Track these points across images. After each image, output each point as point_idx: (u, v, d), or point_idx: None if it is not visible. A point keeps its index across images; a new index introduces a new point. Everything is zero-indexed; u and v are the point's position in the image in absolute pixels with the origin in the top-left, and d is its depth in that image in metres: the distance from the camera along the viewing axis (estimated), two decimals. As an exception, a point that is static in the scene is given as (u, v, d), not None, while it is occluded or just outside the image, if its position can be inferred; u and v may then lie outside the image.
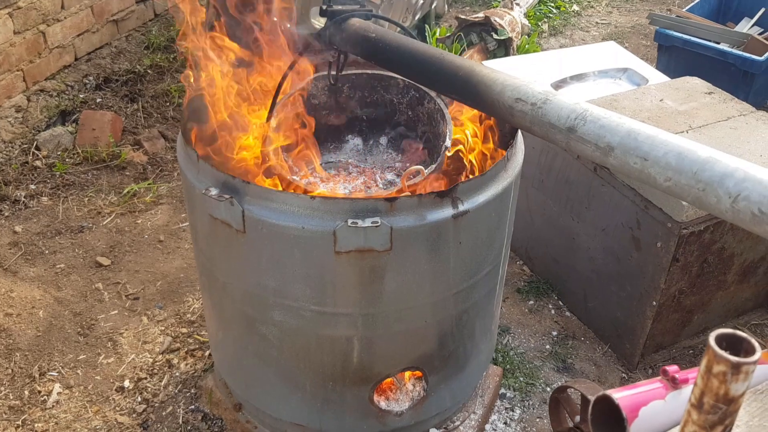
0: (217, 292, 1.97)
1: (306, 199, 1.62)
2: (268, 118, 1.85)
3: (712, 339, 0.68)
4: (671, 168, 1.02)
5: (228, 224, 1.70)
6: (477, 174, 1.96)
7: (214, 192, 1.68)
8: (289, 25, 1.98)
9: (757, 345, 0.70)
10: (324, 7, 1.81)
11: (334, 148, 2.30)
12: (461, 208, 1.68)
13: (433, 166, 1.90)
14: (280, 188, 1.82)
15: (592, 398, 2.04)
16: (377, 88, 2.22)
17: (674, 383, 1.29)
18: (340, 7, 1.81)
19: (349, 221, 1.59)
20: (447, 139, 1.94)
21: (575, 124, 1.15)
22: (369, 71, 2.18)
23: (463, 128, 2.03)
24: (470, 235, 1.76)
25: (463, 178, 1.96)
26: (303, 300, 1.76)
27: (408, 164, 2.21)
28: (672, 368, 1.32)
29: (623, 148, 1.08)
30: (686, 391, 1.27)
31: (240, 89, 1.95)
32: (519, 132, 1.90)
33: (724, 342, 0.69)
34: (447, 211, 1.67)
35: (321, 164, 2.22)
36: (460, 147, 1.98)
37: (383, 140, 2.31)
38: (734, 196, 0.94)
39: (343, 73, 2.06)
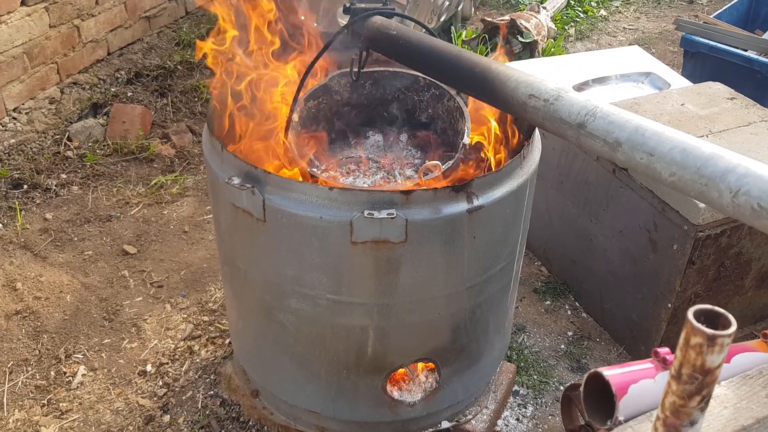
0: (238, 280, 2.03)
1: (324, 189, 1.67)
2: (291, 113, 1.90)
3: (690, 313, 0.71)
4: (676, 163, 1.05)
5: (249, 213, 1.76)
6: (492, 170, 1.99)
7: (236, 181, 1.73)
8: (315, 23, 2.04)
9: (732, 319, 0.73)
10: (347, 4, 1.86)
11: (354, 144, 2.35)
12: (476, 203, 1.72)
13: (450, 162, 1.94)
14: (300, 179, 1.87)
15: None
16: (398, 86, 2.27)
17: (665, 364, 1.32)
18: (363, 5, 1.86)
19: (366, 212, 1.63)
20: (465, 136, 1.98)
21: (585, 120, 1.18)
22: (390, 68, 2.23)
23: (482, 127, 2.07)
24: (484, 231, 1.80)
25: (477, 174, 2.00)
26: (319, 288, 1.81)
27: (427, 160, 2.25)
28: (663, 350, 1.35)
29: (630, 143, 1.11)
30: None
31: (264, 83, 2.01)
32: (536, 130, 1.94)
33: (702, 317, 0.73)
34: (462, 206, 1.71)
35: (342, 158, 2.27)
36: (478, 144, 2.02)
37: (403, 137, 2.36)
38: (735, 191, 0.97)
39: (365, 70, 2.11)
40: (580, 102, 1.22)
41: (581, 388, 1.42)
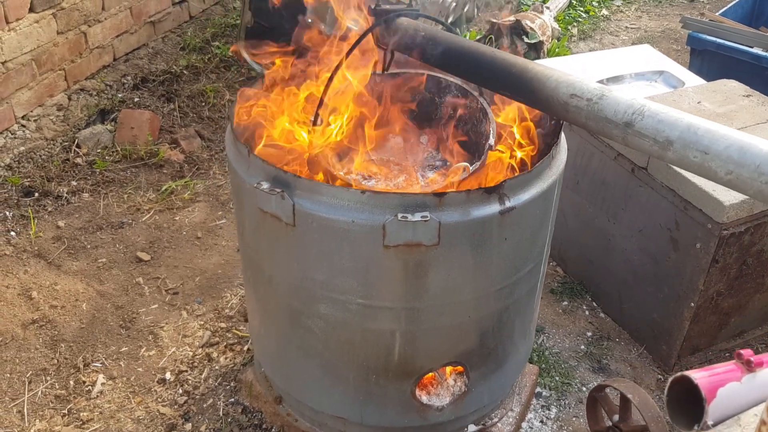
0: (262, 285, 2.01)
1: (356, 193, 1.65)
2: (316, 116, 1.89)
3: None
4: (733, 161, 1.04)
5: (278, 217, 1.74)
6: (519, 172, 1.98)
7: (265, 186, 1.72)
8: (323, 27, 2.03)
9: None
10: (373, 6, 1.84)
11: (375, 146, 2.34)
12: (507, 204, 1.70)
13: (477, 163, 1.92)
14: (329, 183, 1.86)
15: (632, 396, 2.05)
16: (419, 87, 2.25)
17: (749, 366, 1.31)
18: (388, 7, 1.85)
19: (399, 215, 1.62)
20: (490, 137, 1.97)
21: (633, 119, 1.17)
22: (412, 70, 2.21)
23: (503, 128, 2.06)
24: (515, 232, 1.79)
25: (509, 175, 1.98)
26: (350, 293, 1.79)
27: (448, 162, 2.24)
28: (746, 351, 1.33)
29: (683, 142, 1.10)
30: (761, 374, 1.29)
31: (292, 90, 1.99)
32: (562, 131, 1.92)
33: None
34: (494, 207, 1.69)
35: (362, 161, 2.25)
36: (502, 146, 2.00)
37: (424, 138, 2.34)
38: (798, 188, 0.96)
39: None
40: (627, 101, 1.21)
41: (665, 392, 1.40)
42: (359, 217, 1.66)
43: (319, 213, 1.68)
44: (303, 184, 1.69)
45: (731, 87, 2.91)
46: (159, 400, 2.48)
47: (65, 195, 3.37)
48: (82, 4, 3.77)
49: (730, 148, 1.06)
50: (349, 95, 1.96)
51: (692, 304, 2.47)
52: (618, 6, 6.48)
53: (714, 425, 1.22)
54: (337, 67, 1.79)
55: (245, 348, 2.69)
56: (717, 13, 4.72)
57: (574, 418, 2.48)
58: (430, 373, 2.01)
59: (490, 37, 4.71)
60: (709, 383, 1.27)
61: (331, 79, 1.81)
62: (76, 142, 3.67)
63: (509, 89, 1.49)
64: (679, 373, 1.37)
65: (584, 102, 1.27)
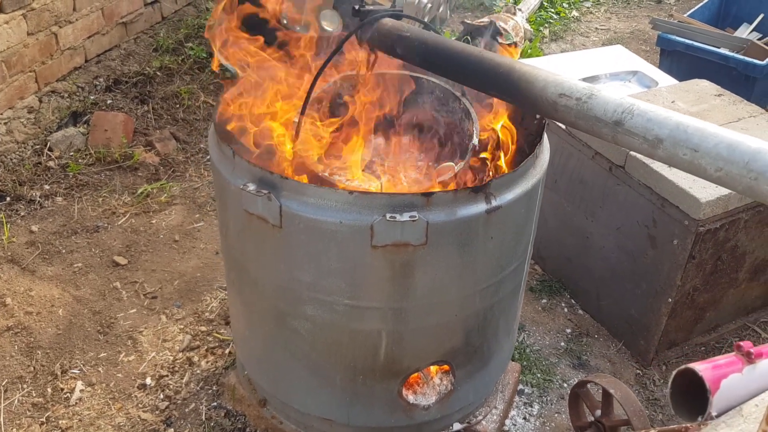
0: (247, 287, 2.00)
1: (344, 194, 1.65)
2: (301, 116, 1.88)
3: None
4: (722, 158, 1.07)
5: (264, 219, 1.73)
6: (504, 171, 2.00)
7: (252, 187, 1.70)
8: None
9: None
10: (356, 7, 1.84)
11: (360, 147, 2.33)
12: (494, 203, 1.72)
13: (462, 163, 1.93)
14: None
15: (614, 391, 2.08)
16: (401, 88, 2.26)
17: (749, 358, 1.34)
18: (371, 7, 1.85)
19: (388, 215, 1.62)
20: (474, 136, 1.98)
21: (622, 117, 1.19)
22: (393, 71, 2.22)
23: (483, 129, 2.07)
24: (501, 231, 1.80)
25: (493, 175, 2.00)
26: (337, 294, 1.79)
27: (431, 163, 2.25)
28: (746, 343, 1.37)
29: (672, 140, 1.12)
30: (761, 365, 1.32)
31: (272, 87, 1.98)
32: (545, 131, 1.95)
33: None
34: (480, 207, 1.71)
35: (345, 162, 2.25)
36: (488, 144, 2.02)
37: (406, 139, 2.35)
38: (787, 183, 0.99)
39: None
40: (616, 100, 1.23)
41: (669, 384, 1.43)
42: (347, 218, 1.66)
43: (307, 214, 1.68)
44: (290, 185, 1.69)
45: (703, 87, 2.97)
46: (140, 405, 2.45)
47: (38, 199, 3.31)
48: (53, 5, 3.70)
49: (719, 146, 1.08)
50: (333, 97, 1.96)
51: (669, 300, 2.52)
52: (588, 7, 6.57)
53: (717, 416, 1.25)
54: (322, 68, 1.79)
55: (227, 351, 2.66)
56: (685, 15, 4.82)
57: (556, 414, 2.51)
58: (417, 373, 2.02)
59: (467, 38, 4.74)
60: (712, 375, 1.30)
61: (315, 81, 1.80)
62: (48, 145, 3.61)
63: (497, 89, 1.51)
64: (683, 366, 1.40)
65: (573, 101, 1.29)
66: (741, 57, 4.14)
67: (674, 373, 1.40)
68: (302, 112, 1.84)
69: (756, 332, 2.88)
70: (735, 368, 1.32)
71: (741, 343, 1.40)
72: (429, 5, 4.50)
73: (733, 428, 1.18)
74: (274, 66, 2.06)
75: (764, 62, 4.04)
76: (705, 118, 2.69)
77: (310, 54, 2.06)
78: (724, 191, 2.30)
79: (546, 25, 5.98)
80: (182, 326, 2.77)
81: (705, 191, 2.32)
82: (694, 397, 1.35)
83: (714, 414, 1.29)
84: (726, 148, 1.08)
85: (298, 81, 2.05)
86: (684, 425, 1.39)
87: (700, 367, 1.33)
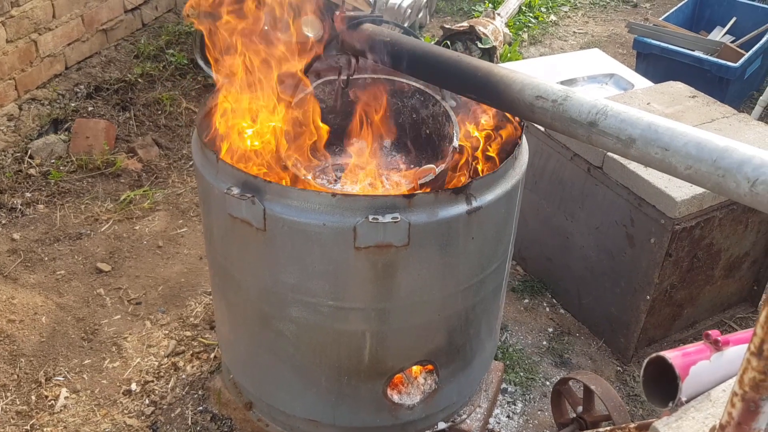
0: (232, 291, 2.01)
1: (327, 196, 1.67)
2: (286, 110, 1.90)
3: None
4: (692, 157, 1.11)
5: (248, 223, 1.75)
6: (484, 173, 2.03)
7: (236, 191, 1.72)
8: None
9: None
10: (337, 12, 1.87)
11: (339, 151, 2.36)
12: (474, 204, 1.75)
13: (443, 165, 1.97)
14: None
15: (595, 387, 2.12)
16: (383, 92, 2.29)
17: (717, 345, 1.39)
18: (353, 13, 1.88)
19: (370, 217, 1.65)
20: (454, 139, 2.02)
21: (597, 118, 1.23)
22: (374, 75, 2.25)
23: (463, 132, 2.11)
24: (481, 231, 1.84)
25: (473, 176, 2.03)
26: (321, 296, 1.81)
27: (412, 166, 2.28)
28: (714, 332, 1.41)
29: (644, 139, 1.16)
30: (727, 353, 1.37)
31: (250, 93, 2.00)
32: (524, 133, 1.99)
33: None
34: (461, 207, 1.74)
35: (327, 166, 2.28)
36: (466, 147, 2.05)
37: (387, 142, 2.38)
38: (752, 180, 1.03)
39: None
40: (590, 101, 1.27)
41: (641, 373, 1.48)
42: (330, 220, 1.68)
43: (290, 217, 1.70)
44: (273, 188, 1.71)
45: (678, 88, 3.03)
46: (125, 411, 2.45)
47: (19, 207, 3.30)
48: (33, 12, 3.69)
49: (688, 145, 1.12)
50: (314, 102, 1.99)
51: (648, 297, 2.57)
52: (566, 12, 6.66)
53: (687, 401, 1.30)
54: (305, 71, 1.82)
55: (212, 356, 2.67)
56: (660, 18, 4.91)
57: (539, 412, 2.55)
58: (401, 373, 2.04)
59: (446, 43, 4.79)
60: (682, 362, 1.35)
61: (298, 84, 1.83)
62: (28, 153, 3.59)
63: (475, 92, 1.54)
64: (654, 354, 1.45)
65: (549, 103, 1.33)
66: (715, 59, 4.23)
67: (646, 361, 1.45)
68: (285, 111, 1.86)
69: (732, 327, 2.94)
70: (703, 356, 1.36)
71: (709, 332, 1.45)
72: (409, 10, 4.55)
73: (701, 412, 1.22)
74: (254, 71, 2.08)
75: (737, 64, 4.13)
76: (679, 119, 2.75)
77: (292, 58, 2.09)
78: (699, 190, 2.36)
79: (525, 29, 6.05)
80: (167, 332, 2.77)
81: (680, 190, 2.37)
82: (665, 384, 1.40)
83: (684, 399, 1.33)
84: (695, 147, 1.12)
85: (279, 86, 2.07)
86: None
87: (671, 355, 1.38)
